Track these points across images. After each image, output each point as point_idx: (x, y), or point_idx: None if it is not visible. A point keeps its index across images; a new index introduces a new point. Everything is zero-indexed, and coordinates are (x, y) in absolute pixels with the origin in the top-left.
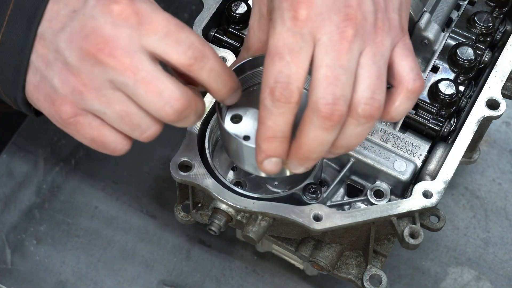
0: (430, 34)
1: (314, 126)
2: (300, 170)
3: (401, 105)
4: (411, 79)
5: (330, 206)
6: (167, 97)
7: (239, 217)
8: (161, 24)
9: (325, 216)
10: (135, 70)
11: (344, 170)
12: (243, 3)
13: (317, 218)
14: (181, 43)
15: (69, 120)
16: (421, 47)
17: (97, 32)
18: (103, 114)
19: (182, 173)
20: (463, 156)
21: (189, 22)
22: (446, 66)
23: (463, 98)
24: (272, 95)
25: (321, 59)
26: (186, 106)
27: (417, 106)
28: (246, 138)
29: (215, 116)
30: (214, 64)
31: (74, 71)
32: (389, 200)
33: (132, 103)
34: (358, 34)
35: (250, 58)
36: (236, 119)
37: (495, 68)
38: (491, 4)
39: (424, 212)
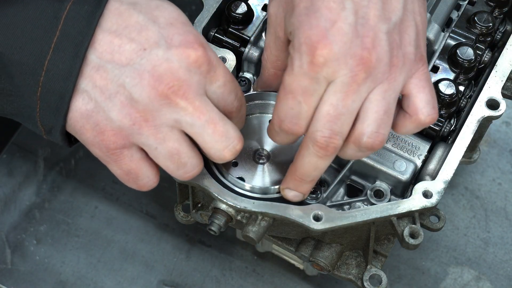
0: (430, 34)
1: (309, 153)
2: (297, 195)
3: (410, 130)
4: (426, 113)
5: (330, 206)
6: (231, 137)
7: (239, 217)
8: (222, 74)
9: (325, 216)
10: (204, 112)
11: (344, 170)
12: (243, 3)
13: (317, 218)
14: (232, 93)
15: (114, 151)
16: None
17: (171, 74)
18: (153, 150)
19: None
20: (463, 156)
21: None
22: (446, 66)
23: (463, 98)
24: (281, 126)
25: (328, 97)
26: (242, 147)
27: None
28: (234, 163)
29: None
30: (244, 113)
31: (139, 107)
32: (389, 200)
33: (185, 143)
34: (370, 76)
35: (245, 95)
36: None
37: (495, 68)
38: (491, 4)
39: (424, 212)
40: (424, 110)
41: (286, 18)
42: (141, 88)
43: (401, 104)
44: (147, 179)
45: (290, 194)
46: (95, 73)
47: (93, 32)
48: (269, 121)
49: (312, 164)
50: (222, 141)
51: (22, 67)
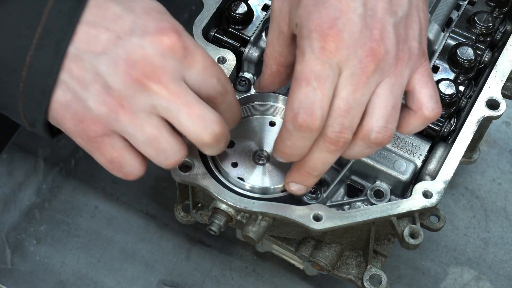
0: (430, 34)
1: (320, 148)
2: (301, 188)
3: (415, 128)
4: (431, 108)
5: (330, 206)
6: (208, 121)
7: (239, 217)
8: (201, 59)
9: (325, 216)
10: (180, 96)
11: (344, 170)
12: (243, 3)
13: (317, 218)
14: (213, 78)
15: (95, 139)
16: None
17: (146, 61)
18: (132, 136)
19: (182, 173)
20: (463, 156)
21: (189, 22)
22: (446, 66)
23: (463, 98)
24: (295, 120)
25: (339, 91)
26: (223, 131)
27: None
28: (234, 164)
29: None
30: (232, 100)
31: (114, 94)
32: (389, 200)
33: (164, 129)
34: (379, 68)
35: (246, 95)
36: (230, 143)
37: (495, 68)
38: (491, 4)
39: (424, 212)
40: (428, 105)
41: (291, 12)
42: (116, 76)
43: (403, 103)
44: (131, 168)
45: (295, 188)
46: (72, 64)
47: (74, 28)
48: (270, 123)
49: (321, 159)
50: (199, 125)
51: (4, 63)
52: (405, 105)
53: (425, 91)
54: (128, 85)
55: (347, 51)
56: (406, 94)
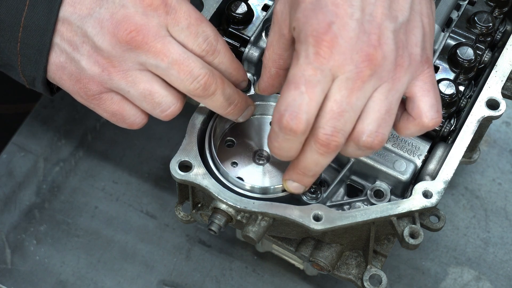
0: None
1: (311, 149)
2: (298, 186)
3: (413, 133)
4: (430, 117)
5: (330, 206)
6: (196, 74)
7: (239, 217)
8: (184, 16)
9: (325, 216)
10: (167, 53)
11: (344, 170)
12: (243, 3)
13: (317, 218)
14: (198, 36)
15: (93, 97)
16: None
17: (128, 20)
18: (127, 93)
19: (182, 173)
20: (463, 156)
21: None
22: (446, 66)
23: (463, 98)
24: (280, 122)
25: (333, 94)
26: (211, 82)
27: None
28: (234, 163)
29: (215, 116)
30: (223, 58)
31: (104, 54)
32: (389, 200)
33: (156, 83)
34: (375, 74)
35: (249, 94)
36: (230, 143)
37: (495, 68)
38: (491, 4)
39: (424, 212)
40: (428, 114)
41: (291, 14)
42: (102, 36)
43: (404, 106)
44: (134, 117)
45: (292, 186)
46: (62, 26)
47: None
48: (270, 123)
49: (313, 160)
50: (187, 79)
51: (2, 25)
52: (405, 110)
53: (426, 99)
54: (115, 45)
55: (342, 57)
56: (407, 100)
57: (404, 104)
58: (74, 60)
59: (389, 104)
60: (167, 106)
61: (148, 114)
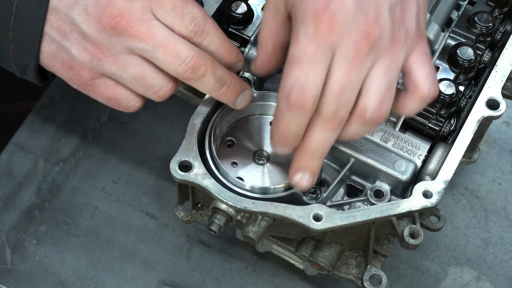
0: (430, 34)
1: (317, 127)
2: (307, 177)
3: (413, 108)
4: (427, 87)
5: (330, 206)
6: (183, 56)
7: (239, 217)
8: None
9: (325, 216)
10: (152, 36)
11: (344, 170)
12: (243, 3)
13: (317, 218)
14: (184, 17)
15: (87, 83)
16: None
17: (112, 6)
18: (119, 77)
19: (182, 173)
20: (463, 156)
21: None
22: (446, 66)
23: (463, 98)
24: (288, 99)
25: (333, 73)
26: (200, 63)
27: None
28: (234, 163)
29: (215, 116)
30: (213, 39)
31: (92, 41)
32: (389, 200)
33: (147, 66)
34: (373, 50)
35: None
36: (230, 143)
37: (495, 68)
38: (491, 4)
39: (424, 212)
40: (425, 85)
41: None
42: (89, 23)
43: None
44: (128, 101)
45: (301, 178)
46: (51, 15)
47: None
48: (270, 123)
49: (321, 138)
50: (174, 62)
51: None
52: (403, 85)
53: (422, 70)
54: (101, 31)
55: (341, 34)
56: (404, 75)
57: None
58: (65, 48)
59: (389, 80)
60: (159, 87)
61: (142, 98)
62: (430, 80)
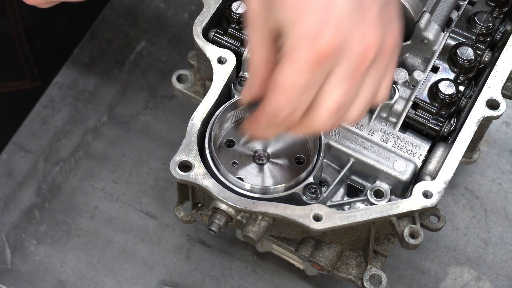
0: (430, 34)
1: (298, 129)
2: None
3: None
4: (382, 97)
5: (330, 206)
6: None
7: (239, 217)
8: None
9: (325, 216)
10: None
11: (344, 170)
12: (243, 3)
13: (317, 218)
14: None
15: None
16: (421, 47)
17: None
18: None
19: (182, 173)
20: (463, 156)
21: (189, 22)
22: (446, 66)
23: (463, 98)
24: (273, 121)
25: (330, 89)
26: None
27: (417, 106)
28: (234, 163)
29: (215, 116)
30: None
31: None
32: (389, 200)
33: None
34: (372, 64)
35: (239, 98)
36: (230, 143)
37: (495, 68)
38: (491, 4)
39: (424, 212)
40: (381, 94)
41: (271, 13)
42: None
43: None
44: None
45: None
46: None
47: None
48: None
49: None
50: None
51: None
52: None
53: (389, 79)
54: None
55: (340, 55)
56: None
57: None
58: None
59: (375, 89)
60: None
61: None
62: (388, 90)
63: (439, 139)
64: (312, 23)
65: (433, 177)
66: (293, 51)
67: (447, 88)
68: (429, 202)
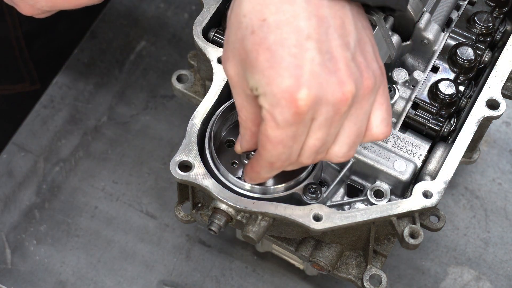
0: (430, 34)
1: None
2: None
3: (362, 142)
4: (380, 131)
5: (330, 206)
6: None
7: (239, 217)
8: None
9: (325, 216)
10: None
11: (344, 170)
12: None
13: (317, 218)
14: None
15: None
16: (421, 47)
17: None
18: None
19: (182, 173)
20: (463, 156)
21: (189, 22)
22: (446, 66)
23: (463, 98)
24: (271, 167)
25: (313, 134)
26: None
27: (417, 106)
28: (234, 163)
29: (215, 116)
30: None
31: None
32: (389, 200)
33: None
34: (350, 106)
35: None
36: (230, 143)
37: (495, 68)
38: (491, 4)
39: (424, 212)
40: (378, 128)
41: (247, 75)
42: None
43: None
44: None
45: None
46: None
47: None
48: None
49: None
50: None
51: None
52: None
53: (378, 113)
54: None
55: (318, 105)
56: None
57: None
58: None
59: (359, 127)
60: None
61: None
62: (384, 124)
63: (439, 139)
64: (287, 81)
65: (433, 177)
66: (273, 110)
67: (447, 88)
68: (429, 202)
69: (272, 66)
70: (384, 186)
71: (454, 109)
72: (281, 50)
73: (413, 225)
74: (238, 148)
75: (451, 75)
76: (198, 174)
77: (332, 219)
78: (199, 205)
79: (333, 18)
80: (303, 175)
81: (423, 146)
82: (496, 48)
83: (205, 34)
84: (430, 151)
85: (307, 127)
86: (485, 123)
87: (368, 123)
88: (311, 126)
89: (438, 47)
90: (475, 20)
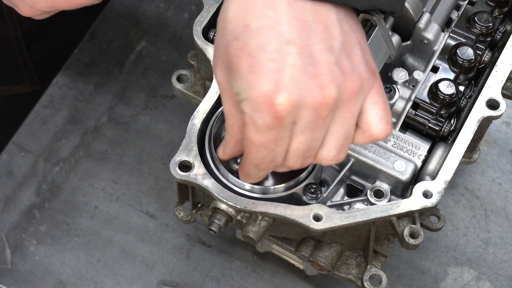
0: (430, 34)
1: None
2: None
3: (363, 143)
4: (380, 129)
5: (330, 206)
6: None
7: (239, 217)
8: None
9: (325, 216)
10: None
11: (344, 170)
12: None
13: (317, 218)
14: None
15: None
16: (421, 47)
17: None
18: None
19: (182, 173)
20: (463, 156)
21: (189, 22)
22: (446, 66)
23: (463, 98)
24: (258, 169)
25: (297, 137)
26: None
27: (417, 106)
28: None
29: (215, 116)
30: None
31: None
32: (389, 200)
33: None
34: (332, 110)
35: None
36: None
37: (495, 68)
38: (491, 4)
39: (424, 212)
40: (377, 126)
41: (232, 80)
42: None
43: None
44: None
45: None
46: None
47: None
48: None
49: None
50: None
51: None
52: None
53: (375, 112)
54: None
55: (298, 109)
56: (358, 114)
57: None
58: None
59: (347, 130)
60: None
61: None
62: (383, 122)
63: (439, 139)
64: (266, 85)
65: (433, 177)
66: (253, 114)
67: (447, 88)
68: (429, 202)
69: (253, 71)
70: (384, 186)
71: (454, 109)
72: (261, 55)
73: (413, 225)
74: (220, 153)
75: (451, 75)
76: (198, 174)
77: (332, 219)
78: (199, 205)
79: (316, 23)
80: (303, 175)
81: (423, 146)
82: (496, 48)
83: (205, 34)
84: (430, 151)
85: (288, 131)
86: (485, 123)
87: (366, 124)
88: (294, 130)
89: (438, 47)
90: (475, 20)
